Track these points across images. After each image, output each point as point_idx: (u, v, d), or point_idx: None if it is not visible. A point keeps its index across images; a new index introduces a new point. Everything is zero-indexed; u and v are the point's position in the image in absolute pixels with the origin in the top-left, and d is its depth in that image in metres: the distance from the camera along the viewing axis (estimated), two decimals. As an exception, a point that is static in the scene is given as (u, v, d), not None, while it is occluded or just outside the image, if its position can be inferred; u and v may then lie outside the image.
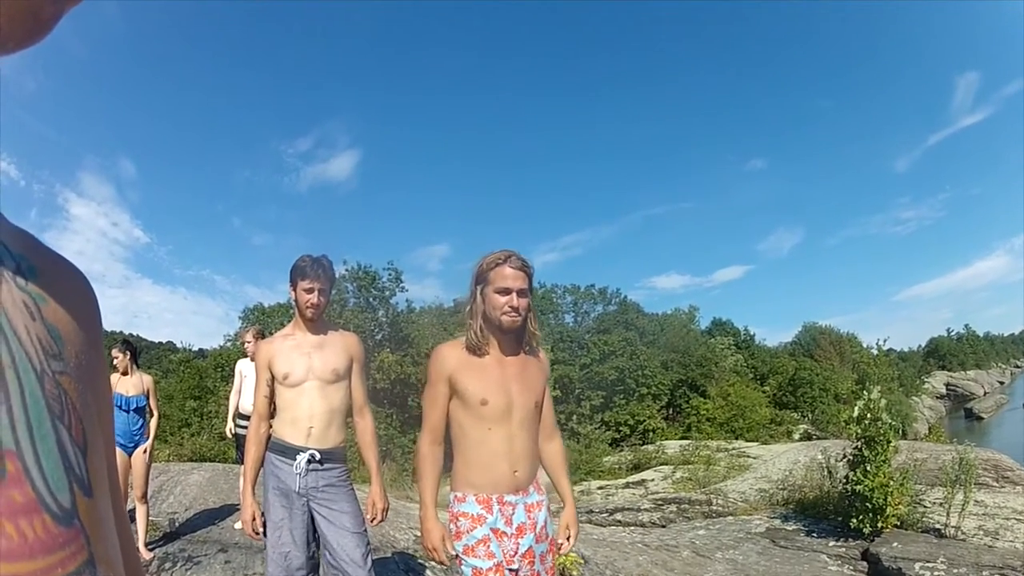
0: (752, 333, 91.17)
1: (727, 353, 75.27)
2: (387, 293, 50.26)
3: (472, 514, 4.10)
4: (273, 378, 5.40)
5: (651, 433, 54.88)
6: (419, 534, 11.39)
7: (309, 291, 5.36)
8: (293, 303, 5.55)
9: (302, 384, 5.36)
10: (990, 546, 11.25)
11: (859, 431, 12.21)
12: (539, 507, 4.29)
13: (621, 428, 57.00)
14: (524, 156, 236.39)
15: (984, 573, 9.74)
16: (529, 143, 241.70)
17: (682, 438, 42.91)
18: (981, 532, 11.79)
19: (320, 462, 5.32)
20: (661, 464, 26.68)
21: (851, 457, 12.33)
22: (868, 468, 11.86)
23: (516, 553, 4.10)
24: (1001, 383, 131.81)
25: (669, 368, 64.50)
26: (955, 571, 9.96)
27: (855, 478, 11.98)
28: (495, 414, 4.13)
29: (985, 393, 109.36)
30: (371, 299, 49.45)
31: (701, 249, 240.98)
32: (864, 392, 12.65)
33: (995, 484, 14.36)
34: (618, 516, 15.39)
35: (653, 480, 22.24)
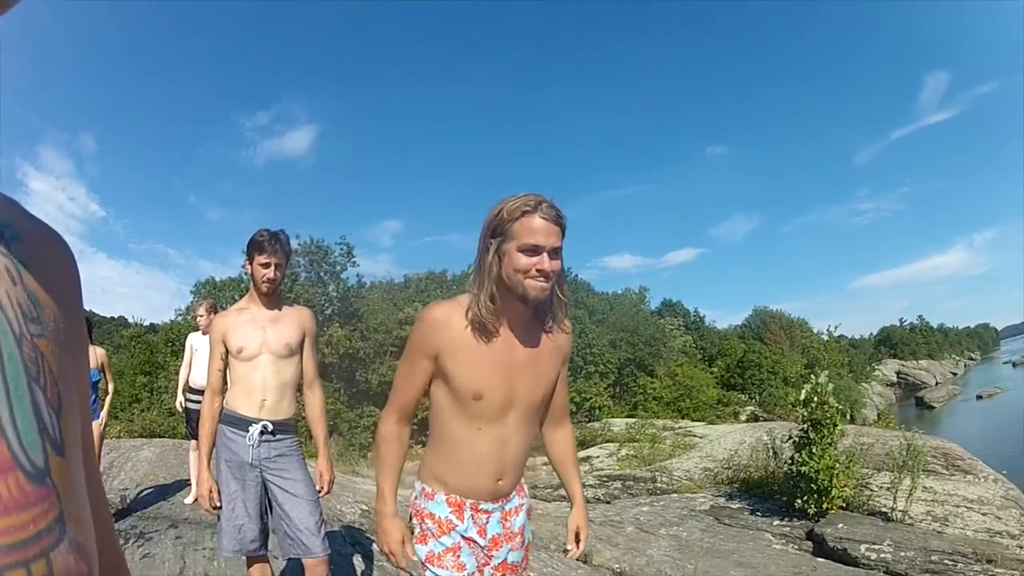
0: (702, 315, 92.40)
1: (676, 334, 76.00)
2: (338, 268, 50.59)
3: (440, 517, 3.47)
4: (227, 352, 5.47)
5: (597, 411, 54.97)
6: (365, 508, 11.51)
7: (265, 266, 5.41)
8: (248, 277, 5.61)
9: (256, 358, 5.44)
10: (939, 532, 11.56)
11: (806, 414, 12.55)
12: (517, 512, 3.69)
13: (568, 405, 56.03)
14: (483, 136, 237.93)
15: (933, 557, 10.03)
16: (488, 124, 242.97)
17: (628, 416, 43.19)
18: (930, 518, 12.10)
19: (272, 433, 5.40)
20: (607, 442, 26.76)
21: (797, 439, 12.65)
22: (814, 450, 12.15)
23: (488, 565, 3.56)
24: (955, 374, 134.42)
25: (617, 347, 64.85)
26: (902, 554, 10.27)
27: (801, 460, 12.26)
28: (489, 412, 3.36)
29: (937, 383, 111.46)
30: (322, 274, 49.75)
31: (655, 231, 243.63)
32: (812, 376, 12.96)
33: (945, 472, 14.63)
34: (563, 491, 15.23)
35: (598, 457, 22.39)
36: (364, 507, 11.31)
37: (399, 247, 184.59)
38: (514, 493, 3.67)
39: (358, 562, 8.44)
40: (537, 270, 3.14)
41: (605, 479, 16.47)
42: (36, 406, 0.80)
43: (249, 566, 5.66)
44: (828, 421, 12.38)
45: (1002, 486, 13.82)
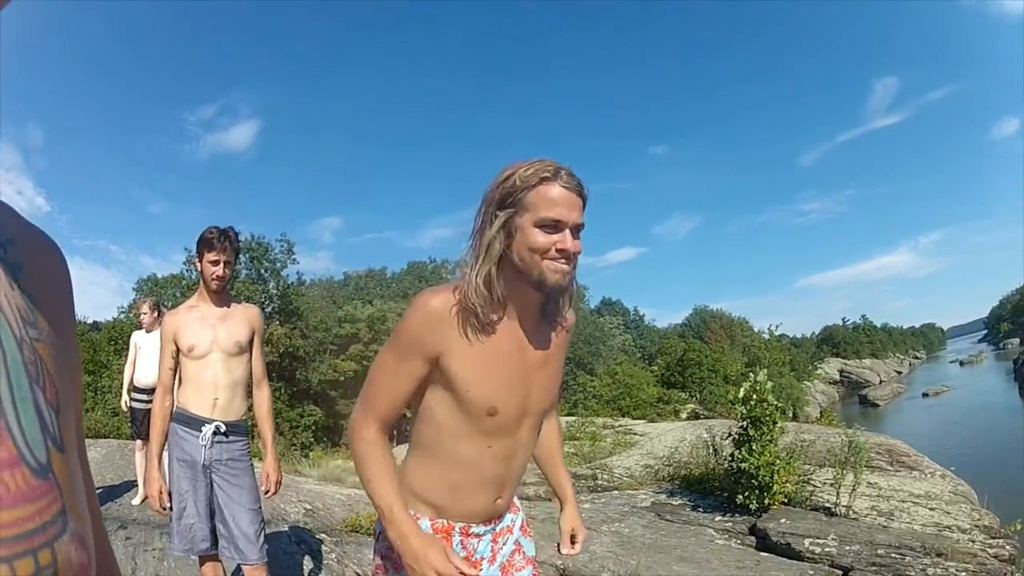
0: (642, 314, 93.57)
1: (615, 332, 76.71)
2: (278, 265, 50.55)
3: None
4: (178, 350, 5.44)
5: None
6: (309, 507, 11.35)
7: (215, 263, 5.39)
8: (198, 274, 5.61)
9: (207, 356, 5.43)
10: (884, 526, 11.72)
11: (745, 411, 12.79)
12: (509, 531, 3.15)
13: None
14: (425, 131, 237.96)
15: (879, 551, 10.21)
16: (430, 120, 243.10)
17: (568, 415, 43.19)
18: (875, 512, 12.29)
19: (225, 434, 5.41)
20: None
21: (737, 436, 12.88)
22: (754, 447, 12.36)
23: None
24: (899, 372, 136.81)
25: (557, 346, 65.12)
26: (847, 548, 10.42)
27: (741, 456, 12.48)
28: (503, 427, 2.82)
29: (881, 381, 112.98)
30: (262, 271, 49.51)
31: (596, 229, 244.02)
32: (751, 374, 13.24)
33: (890, 468, 14.91)
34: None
35: (540, 455, 22.48)
36: (308, 506, 11.24)
37: (339, 244, 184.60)
38: (507, 511, 3.13)
39: (305, 562, 8.46)
40: (558, 250, 2.60)
41: (546, 477, 16.12)
42: (38, 406, 0.85)
43: (201, 565, 5.68)
44: (767, 418, 12.61)
45: (950, 482, 14.07)
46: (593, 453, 19.67)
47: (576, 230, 2.66)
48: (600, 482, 15.64)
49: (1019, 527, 11.53)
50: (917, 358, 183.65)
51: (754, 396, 12.74)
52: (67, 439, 0.89)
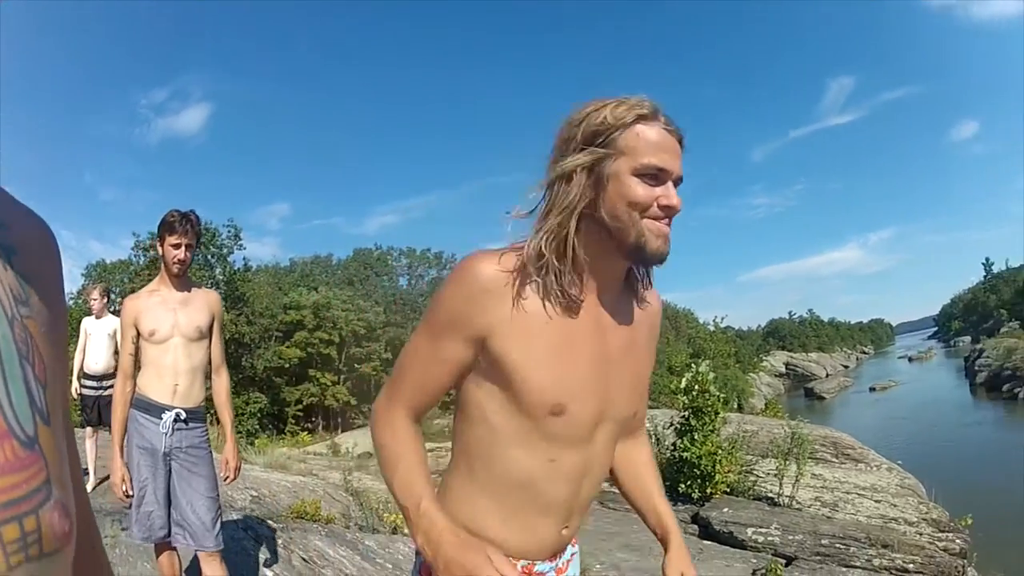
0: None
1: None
2: (225, 251, 50.09)
3: None
4: (138, 335, 5.38)
5: None
6: (256, 494, 11.25)
7: (176, 246, 5.31)
8: (160, 258, 5.49)
9: (167, 341, 5.37)
10: (829, 517, 11.96)
11: (687, 401, 13.14)
12: (569, 564, 2.43)
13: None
14: (375, 120, 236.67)
15: (823, 541, 10.41)
16: (380, 108, 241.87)
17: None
18: (818, 503, 12.54)
19: (185, 421, 5.36)
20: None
21: (679, 426, 13.22)
22: (695, 436, 12.67)
23: None
24: (846, 367, 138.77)
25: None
26: (791, 537, 10.66)
27: (682, 445, 12.79)
28: (572, 433, 2.13)
29: (828, 375, 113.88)
30: (209, 256, 49.13)
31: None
32: (693, 365, 13.65)
33: (835, 460, 15.12)
34: None
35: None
36: (254, 493, 11.14)
37: (287, 230, 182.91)
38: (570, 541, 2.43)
39: (252, 548, 8.42)
40: (661, 206, 2.02)
41: None
42: (27, 381, 0.89)
43: (158, 554, 5.62)
44: (709, 409, 12.96)
45: (897, 475, 14.30)
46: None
47: (677, 183, 2.08)
48: None
49: (970, 521, 11.72)
50: (865, 353, 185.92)
51: (696, 387, 13.06)
52: (53, 412, 0.94)
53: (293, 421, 51.89)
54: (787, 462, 12.93)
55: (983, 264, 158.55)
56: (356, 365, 58.98)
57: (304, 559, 7.87)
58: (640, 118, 1.99)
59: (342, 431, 44.95)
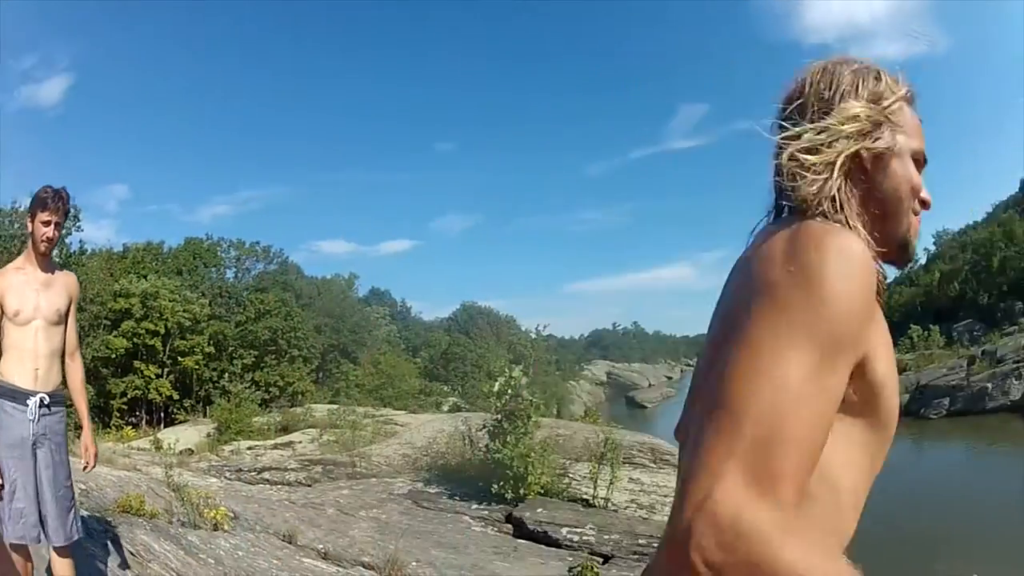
0: (409, 306, 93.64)
1: (382, 323, 77.04)
2: (64, 232, 48.88)
3: None
4: (3, 314, 5.20)
5: (300, 396, 55.40)
6: (84, 487, 10.93)
7: (46, 224, 5.20)
8: (28, 234, 5.35)
9: (30, 323, 5.22)
10: (645, 518, 12.40)
11: (500, 405, 13.37)
12: None
13: (271, 389, 57.30)
14: (218, 109, 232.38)
15: (640, 541, 10.80)
16: (223, 98, 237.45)
17: (331, 402, 43.08)
18: (635, 505, 13.01)
19: (48, 407, 5.20)
20: (309, 427, 27.00)
21: (492, 428, 13.50)
22: (508, 439, 12.86)
23: None
24: (669, 377, 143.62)
25: (322, 332, 64.95)
26: (606, 537, 10.95)
27: (495, 447, 13.04)
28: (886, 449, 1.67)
29: (650, 385, 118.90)
30: (47, 236, 48.00)
31: (373, 219, 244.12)
32: (506, 370, 13.92)
33: (652, 465, 15.63)
34: (266, 475, 15.78)
35: (300, 442, 22.78)
36: (83, 486, 10.75)
37: (125, 213, 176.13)
38: None
39: (82, 541, 8.25)
40: (922, 201, 1.71)
41: (307, 463, 16.70)
42: None
43: (15, 551, 5.22)
44: (522, 412, 13.17)
45: None
46: (353, 441, 19.85)
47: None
48: (359, 469, 15.93)
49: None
50: (690, 365, 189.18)
51: (509, 391, 13.30)
52: None
53: (118, 415, 49.77)
54: (601, 465, 13.31)
55: None
56: (179, 358, 57.33)
57: (131, 552, 7.83)
58: (909, 97, 1.70)
59: (164, 426, 43.74)
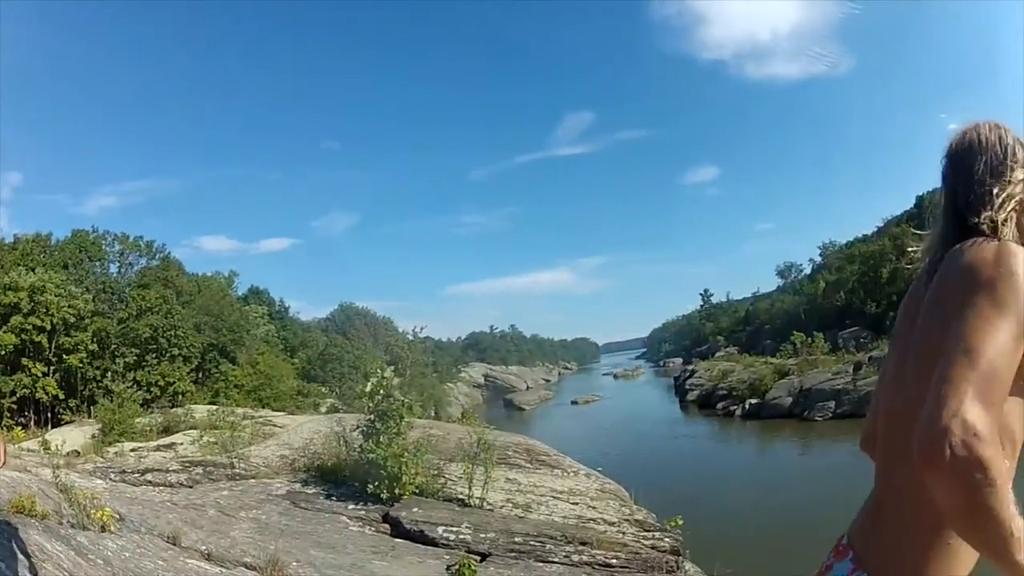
0: (287, 305, 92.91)
1: (260, 322, 76.49)
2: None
3: None
4: None
5: (181, 396, 54.66)
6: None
7: None
8: None
9: None
10: (521, 516, 12.76)
11: (372, 405, 13.78)
12: None
13: (152, 388, 55.95)
14: (108, 98, 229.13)
15: (517, 539, 11.18)
16: (114, 87, 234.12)
17: (210, 403, 42.92)
18: (510, 504, 13.33)
19: None
20: (190, 428, 26.98)
21: (365, 429, 13.74)
22: (381, 439, 13.21)
23: None
24: (547, 380, 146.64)
25: (202, 331, 64.37)
26: (482, 535, 11.28)
27: (368, 448, 13.33)
28: None
29: (528, 387, 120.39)
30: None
31: (254, 216, 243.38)
32: (378, 370, 14.44)
33: (529, 466, 15.98)
34: (149, 476, 15.62)
35: (182, 444, 22.78)
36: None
37: (18, 201, 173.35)
38: None
39: None
40: None
41: (188, 465, 16.70)
42: None
43: None
44: (394, 412, 13.57)
45: (597, 480, 15.33)
46: (233, 443, 19.88)
47: None
48: (238, 471, 16.01)
49: (680, 522, 12.56)
50: (568, 368, 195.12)
51: (381, 391, 13.72)
52: None
53: (8, 415, 48.72)
54: (475, 465, 13.65)
55: (701, 295, 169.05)
56: (64, 356, 56.06)
57: (27, 553, 7.86)
58: None
59: (52, 427, 42.97)
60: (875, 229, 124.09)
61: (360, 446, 14.04)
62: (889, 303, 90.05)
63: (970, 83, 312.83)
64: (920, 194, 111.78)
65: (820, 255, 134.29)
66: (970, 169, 2.41)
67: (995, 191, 2.33)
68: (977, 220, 2.29)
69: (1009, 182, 2.33)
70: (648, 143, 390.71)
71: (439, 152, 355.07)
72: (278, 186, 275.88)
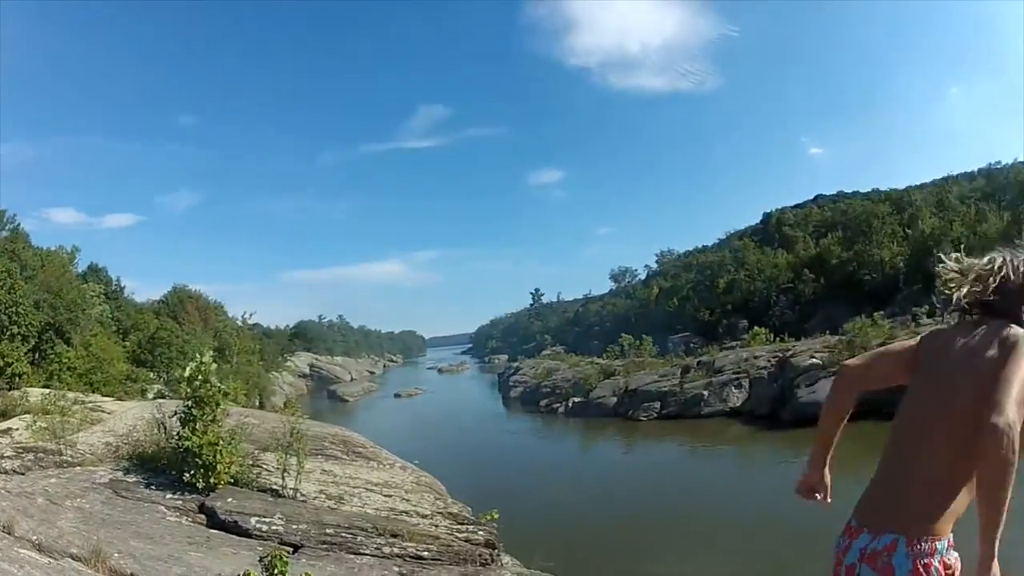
0: (123, 285, 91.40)
1: (96, 301, 75.07)
2: None
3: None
4: None
5: (18, 378, 51.57)
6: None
7: None
8: None
9: None
10: (333, 508, 13.22)
11: (190, 391, 13.96)
12: None
13: None
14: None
15: (328, 531, 11.70)
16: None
17: (44, 386, 42.39)
18: (324, 496, 13.77)
19: None
20: (25, 412, 26.75)
21: (183, 415, 13.94)
22: (197, 426, 13.50)
23: None
24: (372, 372, 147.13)
25: (41, 308, 63.13)
26: (294, 527, 11.77)
27: (185, 435, 13.55)
28: None
29: (352, 379, 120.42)
30: None
31: (102, 188, 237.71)
32: (196, 355, 14.51)
33: (345, 457, 16.51)
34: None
35: (18, 429, 22.69)
36: None
37: None
38: None
39: None
40: None
41: (21, 451, 16.61)
42: None
43: None
44: (210, 399, 13.83)
45: (412, 473, 15.92)
46: (63, 428, 20.04)
47: None
48: (66, 458, 16.03)
49: (496, 516, 13.20)
50: (393, 361, 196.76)
51: (199, 376, 13.91)
52: None
53: None
54: (288, 456, 13.98)
55: (532, 294, 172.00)
56: None
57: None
58: None
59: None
60: (716, 241, 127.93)
61: (178, 433, 14.15)
62: (723, 311, 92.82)
63: (840, 111, 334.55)
64: (768, 211, 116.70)
65: (656, 262, 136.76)
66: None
67: None
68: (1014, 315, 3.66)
69: None
70: (499, 142, 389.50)
71: (290, 134, 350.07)
72: (132, 159, 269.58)
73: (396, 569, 11.48)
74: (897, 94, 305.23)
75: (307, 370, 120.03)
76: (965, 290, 3.72)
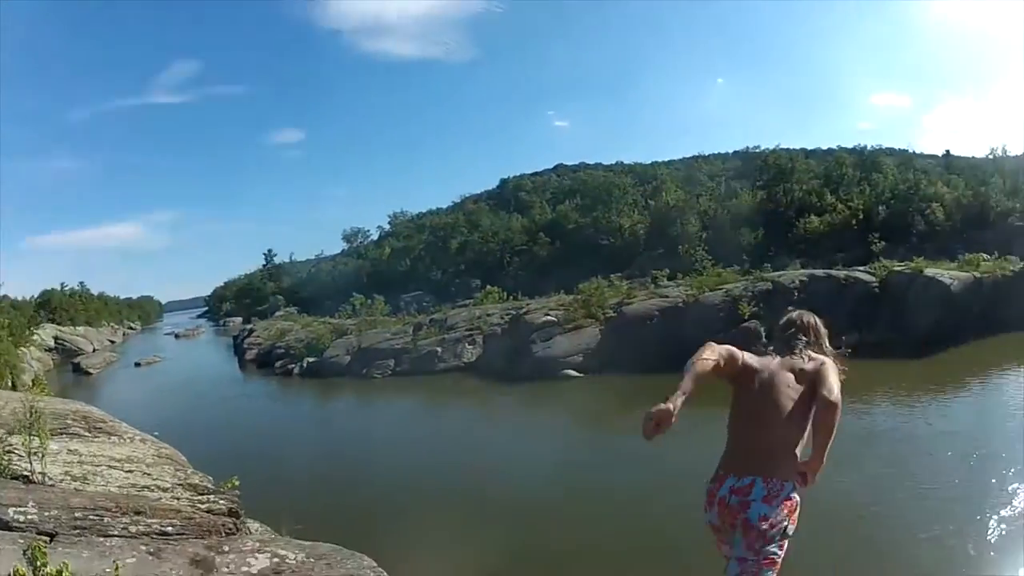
0: None
1: None
2: None
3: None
4: None
5: None
6: None
7: None
8: None
9: None
10: (79, 490, 12.44)
11: None
12: None
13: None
14: None
15: (77, 514, 11.06)
16: None
17: None
18: (69, 477, 13.06)
19: None
20: None
21: None
22: None
23: None
24: (113, 342, 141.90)
25: None
26: (47, 514, 11.10)
27: None
28: None
29: (95, 350, 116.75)
30: None
31: None
32: None
33: (88, 435, 15.50)
34: None
35: None
36: None
37: None
38: None
39: None
40: None
41: None
42: None
43: None
44: None
45: (153, 445, 15.17)
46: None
47: None
48: None
49: (237, 483, 13.07)
50: (132, 328, 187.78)
51: None
52: None
53: None
54: (30, 437, 13.50)
55: (265, 254, 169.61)
56: None
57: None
58: None
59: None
60: (451, 204, 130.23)
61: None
62: (457, 271, 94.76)
63: (593, 90, 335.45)
64: (505, 177, 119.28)
65: (389, 223, 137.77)
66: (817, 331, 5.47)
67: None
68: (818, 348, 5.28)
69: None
70: (243, 100, 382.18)
71: (37, 89, 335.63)
72: None
73: (144, 548, 10.94)
74: (659, 80, 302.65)
75: (52, 343, 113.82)
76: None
